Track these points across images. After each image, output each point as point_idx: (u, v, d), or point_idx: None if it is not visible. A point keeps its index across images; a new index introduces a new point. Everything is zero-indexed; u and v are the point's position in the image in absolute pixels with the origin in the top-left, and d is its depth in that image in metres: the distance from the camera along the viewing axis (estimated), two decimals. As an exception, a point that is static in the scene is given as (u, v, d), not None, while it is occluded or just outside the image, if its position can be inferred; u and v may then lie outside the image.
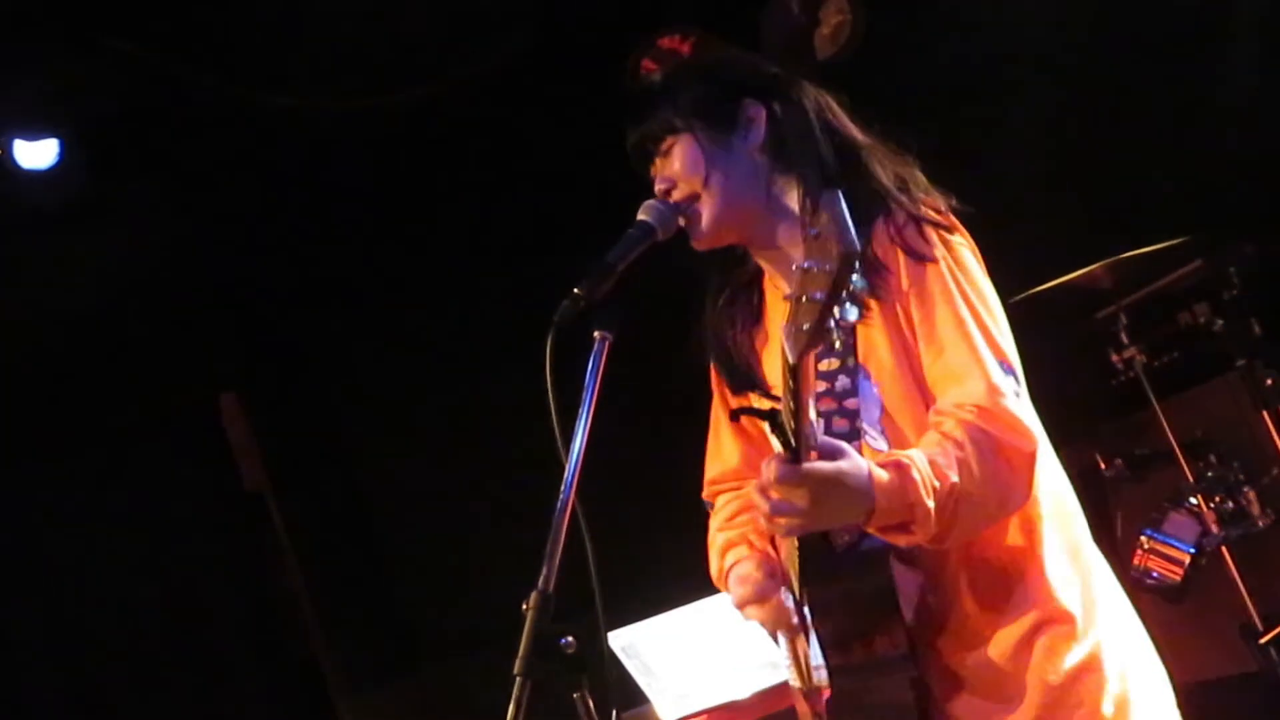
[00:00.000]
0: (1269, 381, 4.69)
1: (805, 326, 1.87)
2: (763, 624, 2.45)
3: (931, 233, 2.30)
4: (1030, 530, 2.31)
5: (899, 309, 2.27)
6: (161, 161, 5.37)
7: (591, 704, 2.09)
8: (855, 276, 1.87)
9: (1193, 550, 4.75)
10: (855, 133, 2.41)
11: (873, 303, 2.28)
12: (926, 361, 2.26)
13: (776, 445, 2.06)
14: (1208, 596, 4.82)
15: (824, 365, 2.31)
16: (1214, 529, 4.72)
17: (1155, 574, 4.82)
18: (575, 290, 2.25)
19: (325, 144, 5.54)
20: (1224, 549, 4.76)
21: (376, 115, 5.46)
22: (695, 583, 4.19)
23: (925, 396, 2.28)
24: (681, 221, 2.39)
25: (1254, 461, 4.77)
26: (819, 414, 2.23)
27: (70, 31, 4.84)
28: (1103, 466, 5.12)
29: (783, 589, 2.40)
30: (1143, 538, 4.85)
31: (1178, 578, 4.79)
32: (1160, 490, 4.91)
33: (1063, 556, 2.33)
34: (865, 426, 2.29)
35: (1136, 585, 4.86)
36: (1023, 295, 4.66)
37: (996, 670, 2.28)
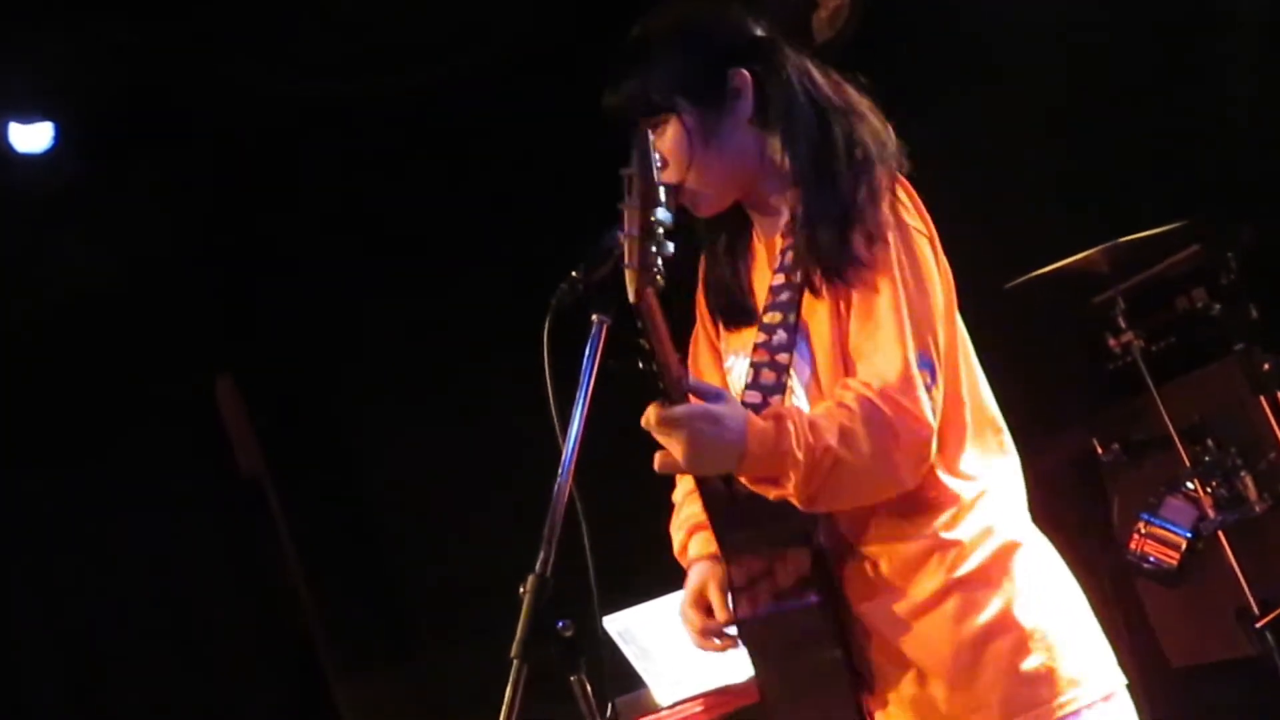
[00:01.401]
0: (1266, 366, 4.70)
1: (633, 263, 2.01)
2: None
3: (889, 213, 2.30)
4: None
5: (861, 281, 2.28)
6: (158, 145, 5.35)
7: (588, 688, 2.09)
8: (661, 210, 2.02)
9: (1189, 535, 4.76)
10: (834, 97, 2.40)
11: (839, 269, 2.29)
12: (854, 330, 2.27)
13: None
14: (1204, 581, 4.83)
15: (768, 317, 2.36)
16: (1211, 514, 4.73)
17: (1152, 559, 4.83)
18: (573, 273, 2.25)
19: (324, 128, 5.53)
20: (1221, 534, 4.76)
21: (377, 100, 5.45)
22: (692, 567, 4.19)
23: (850, 369, 2.29)
24: (679, 200, 2.39)
25: (1251, 446, 4.78)
26: (751, 364, 2.32)
27: (66, 15, 4.83)
28: (1099, 451, 5.12)
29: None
30: (1139, 522, 4.85)
31: (1174, 562, 4.79)
32: (1157, 475, 4.91)
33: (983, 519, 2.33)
34: (794, 384, 2.32)
35: (1133, 570, 4.87)
36: (1020, 280, 4.65)
37: (910, 620, 2.30)
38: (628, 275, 2.02)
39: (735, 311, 2.51)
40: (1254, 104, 4.95)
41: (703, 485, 2.35)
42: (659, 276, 2.10)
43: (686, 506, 2.62)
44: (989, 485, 2.35)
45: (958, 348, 2.37)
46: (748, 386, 2.33)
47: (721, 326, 2.56)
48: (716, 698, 4.26)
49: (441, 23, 5.34)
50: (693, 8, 2.48)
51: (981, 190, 4.98)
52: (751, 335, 2.44)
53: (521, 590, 2.06)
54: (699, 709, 4.23)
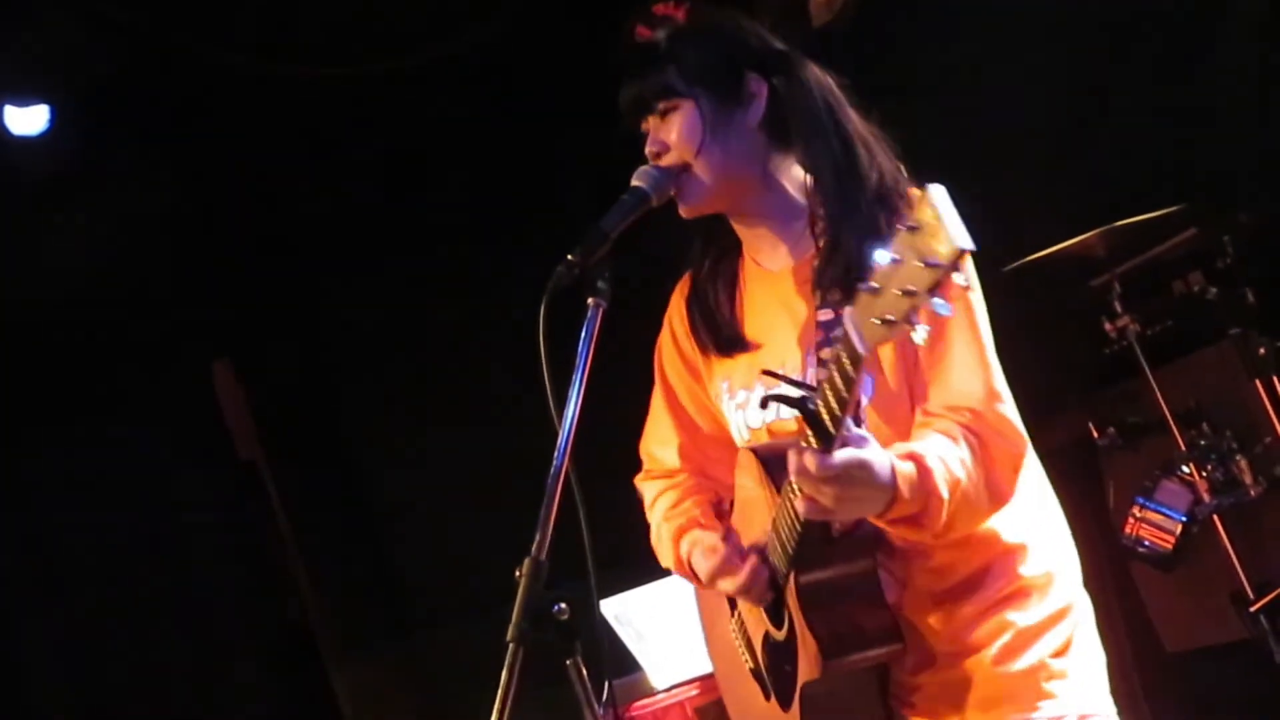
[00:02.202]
0: (1262, 350, 4.70)
1: (888, 318, 1.80)
2: (734, 593, 2.44)
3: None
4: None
5: None
6: (154, 128, 5.34)
7: (584, 671, 2.09)
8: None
9: (1185, 519, 4.76)
10: (858, 123, 2.40)
11: None
12: (923, 353, 2.27)
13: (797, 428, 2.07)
14: (1199, 565, 4.84)
15: (825, 354, 2.31)
16: (1206, 498, 4.73)
17: (1147, 543, 4.83)
18: (569, 256, 2.25)
19: (320, 111, 5.52)
20: (1216, 518, 4.77)
21: (374, 82, 5.44)
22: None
23: (911, 397, 2.30)
24: (673, 190, 2.39)
25: (1246, 430, 4.78)
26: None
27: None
28: (1095, 435, 5.12)
29: (750, 563, 2.39)
30: (1134, 506, 4.85)
31: (1169, 546, 4.80)
32: (1153, 459, 4.91)
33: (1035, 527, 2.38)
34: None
35: (1128, 554, 4.87)
36: (1017, 263, 4.65)
37: (959, 641, 2.32)
38: (871, 330, 1.83)
39: (724, 340, 2.51)
40: (1251, 88, 4.94)
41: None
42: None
43: (670, 523, 2.61)
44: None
45: None
46: None
47: (708, 352, 2.55)
48: (711, 681, 4.26)
49: (447, 6, 5.33)
50: (721, 12, 2.48)
51: (979, 173, 4.98)
52: (746, 363, 2.44)
53: (517, 573, 2.06)
54: (694, 692, 4.24)
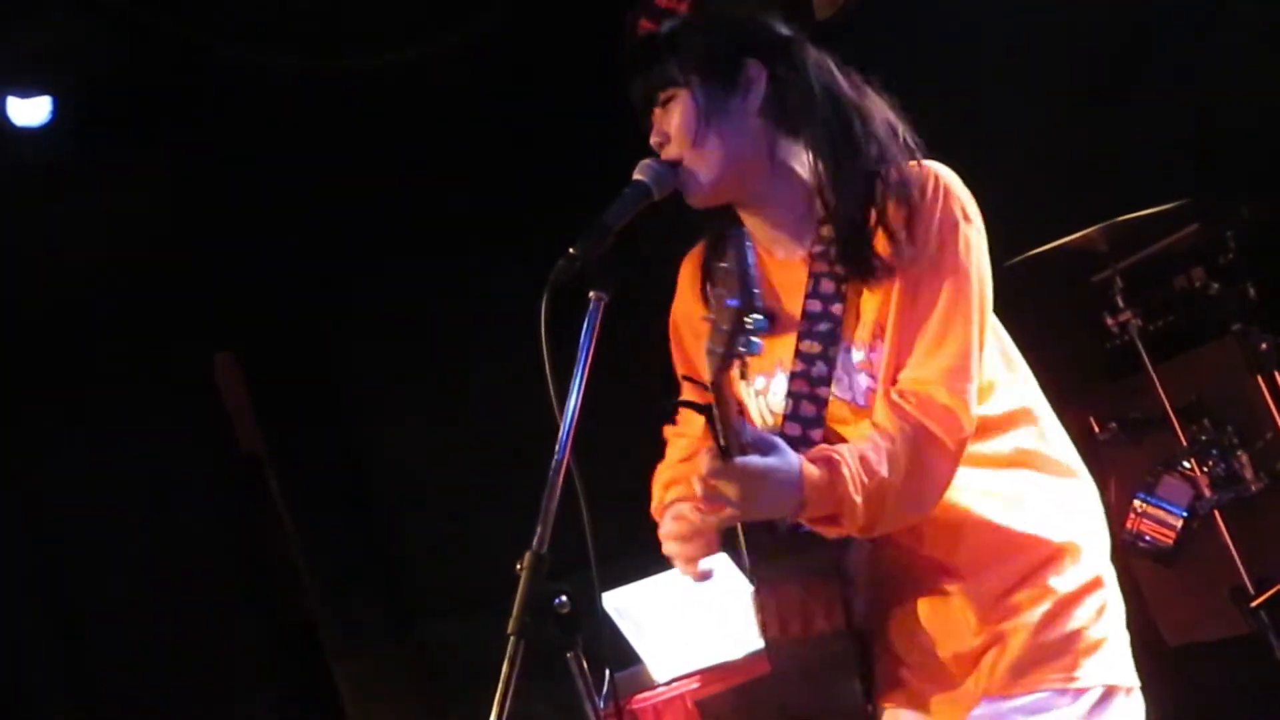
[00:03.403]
0: (1263, 346, 4.70)
1: (718, 350, 2.06)
2: (683, 558, 2.44)
3: (954, 208, 2.30)
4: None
5: (910, 274, 2.27)
6: (156, 120, 5.34)
7: (585, 664, 2.09)
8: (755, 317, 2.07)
9: (1185, 514, 4.77)
10: (851, 96, 2.39)
11: (884, 268, 2.29)
12: (911, 326, 2.27)
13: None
14: (1200, 560, 4.84)
15: (804, 346, 2.34)
16: (1207, 493, 4.74)
17: (1148, 537, 4.84)
18: (571, 250, 2.24)
19: (321, 104, 5.51)
20: (1217, 513, 4.77)
21: (374, 77, 5.44)
22: (689, 544, 4.20)
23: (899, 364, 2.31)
24: (677, 181, 2.39)
25: (1247, 426, 4.79)
26: (789, 394, 2.32)
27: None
28: (1097, 430, 5.13)
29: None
30: (1136, 501, 4.86)
31: (1170, 541, 4.81)
32: (1154, 454, 4.92)
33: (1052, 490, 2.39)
34: (850, 401, 2.32)
35: (1129, 548, 4.88)
36: (1019, 258, 4.65)
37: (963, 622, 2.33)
38: (711, 358, 2.08)
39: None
40: (1254, 84, 4.94)
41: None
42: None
43: (669, 470, 2.62)
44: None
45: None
46: (787, 418, 2.33)
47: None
48: (712, 674, 4.27)
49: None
50: (727, 3, 2.48)
51: (981, 168, 4.97)
52: (766, 350, 2.44)
53: (519, 567, 2.06)
54: (695, 685, 4.24)
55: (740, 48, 2.39)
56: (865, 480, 2.15)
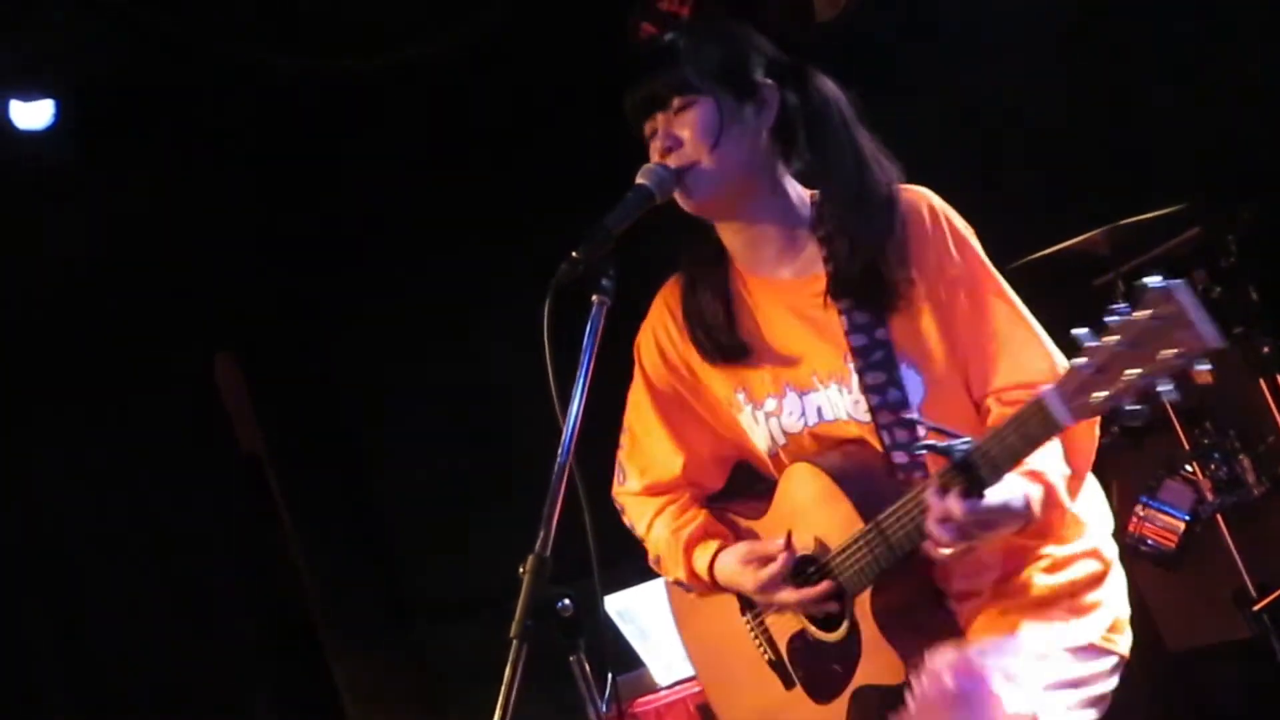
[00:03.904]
0: (1266, 349, 4.69)
1: (1104, 395, 2.00)
2: (778, 600, 2.50)
3: (959, 225, 2.42)
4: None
5: (940, 296, 2.32)
6: (158, 121, 5.34)
7: (587, 667, 2.09)
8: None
9: (1188, 518, 4.76)
10: (866, 136, 2.45)
11: (920, 290, 2.36)
12: (977, 337, 2.36)
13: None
14: (1202, 564, 4.83)
15: (870, 379, 2.39)
16: (1209, 496, 4.73)
17: (1150, 541, 4.83)
18: (573, 254, 2.25)
19: (323, 103, 5.51)
20: (1219, 516, 4.76)
21: (375, 76, 5.43)
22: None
23: (964, 378, 2.40)
24: (678, 186, 2.39)
25: (1250, 429, 4.77)
26: (879, 426, 2.40)
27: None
28: (1098, 433, 5.11)
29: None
30: (1138, 505, 4.85)
31: (1172, 545, 4.79)
32: (1156, 458, 4.91)
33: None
34: (919, 424, 2.39)
35: (1131, 552, 4.87)
36: (1020, 261, 4.64)
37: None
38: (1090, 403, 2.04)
39: (723, 348, 2.54)
40: (1256, 86, 4.93)
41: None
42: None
43: (684, 531, 2.64)
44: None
45: None
46: (888, 448, 2.40)
47: (714, 360, 2.57)
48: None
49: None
50: (737, 22, 2.52)
51: (982, 171, 4.97)
52: (770, 373, 2.47)
53: (521, 570, 2.06)
54: (697, 689, 4.24)
55: (756, 66, 2.41)
56: (1066, 484, 2.30)
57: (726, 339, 2.51)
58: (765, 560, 2.48)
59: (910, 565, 2.35)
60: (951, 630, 2.40)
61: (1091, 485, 2.55)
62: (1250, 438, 4.76)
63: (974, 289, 2.37)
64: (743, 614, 2.67)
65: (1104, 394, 1.97)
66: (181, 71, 5.23)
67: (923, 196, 2.40)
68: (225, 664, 5.70)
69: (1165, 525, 4.79)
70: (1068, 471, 2.30)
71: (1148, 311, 1.91)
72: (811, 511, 2.45)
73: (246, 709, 5.74)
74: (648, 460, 2.67)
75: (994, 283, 2.40)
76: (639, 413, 2.67)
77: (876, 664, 2.39)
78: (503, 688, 2.02)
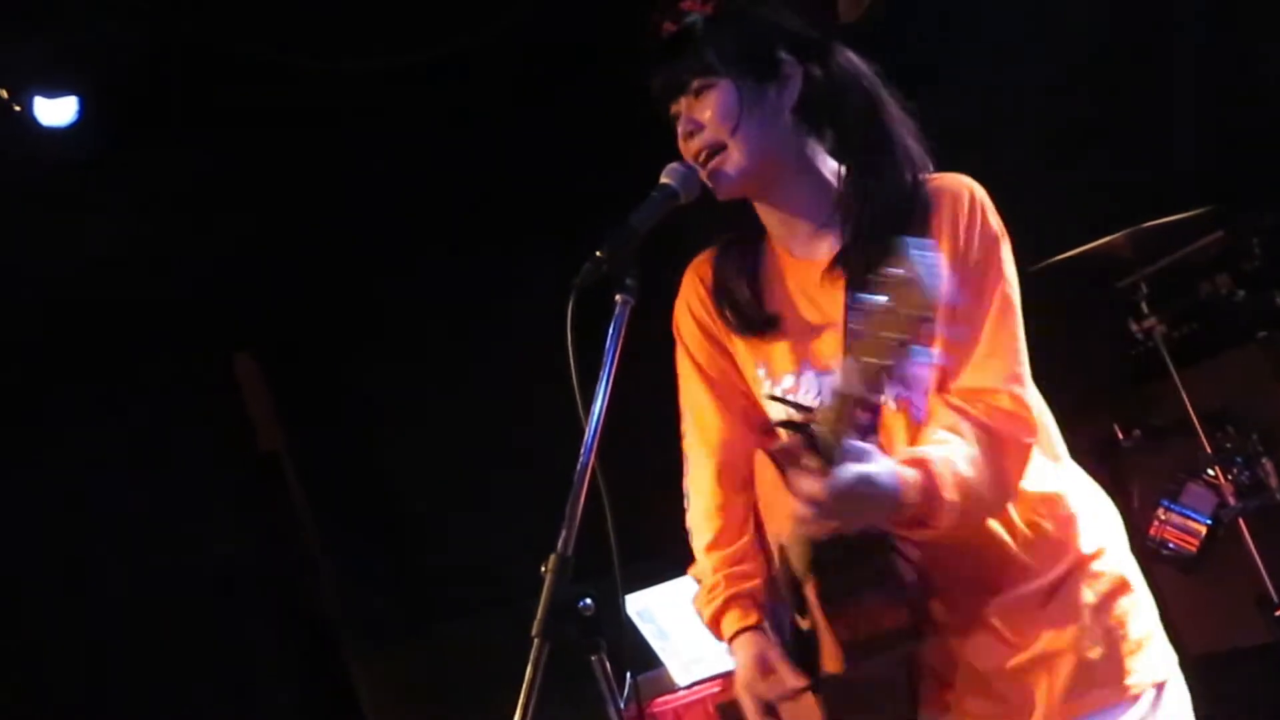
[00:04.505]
0: (1289, 353, 4.69)
1: (877, 361, 1.92)
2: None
3: (993, 221, 2.34)
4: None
5: (952, 284, 2.29)
6: (181, 120, 5.35)
7: (608, 667, 2.09)
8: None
9: (1209, 522, 4.75)
10: (894, 110, 2.41)
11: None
12: (955, 330, 2.28)
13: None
14: (1223, 568, 4.82)
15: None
16: (1231, 500, 4.72)
17: (1171, 545, 4.82)
18: (597, 253, 2.24)
19: (346, 103, 5.52)
20: (1241, 520, 4.75)
21: (398, 74, 5.44)
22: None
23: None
24: (705, 178, 2.38)
25: (1272, 433, 4.76)
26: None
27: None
28: (1120, 436, 5.11)
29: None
30: (1159, 509, 4.84)
31: (1194, 549, 4.79)
32: (1178, 461, 4.90)
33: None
34: (914, 407, 2.33)
35: (1152, 556, 4.86)
36: (1043, 263, 4.64)
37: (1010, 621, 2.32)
38: (864, 371, 1.95)
39: (753, 321, 2.50)
40: (1281, 89, 4.92)
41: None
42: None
43: (711, 576, 2.57)
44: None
45: None
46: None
47: (740, 334, 2.53)
48: (732, 680, 4.26)
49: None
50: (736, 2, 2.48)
51: (1006, 173, 4.96)
52: (786, 348, 2.44)
53: (543, 569, 2.06)
54: (716, 689, 4.24)
55: (777, 44, 2.40)
56: (954, 481, 2.17)
57: (751, 313, 2.49)
58: (779, 689, 2.42)
59: (850, 543, 2.28)
60: (910, 634, 2.29)
61: (1093, 498, 2.46)
62: (1273, 441, 4.75)
63: (982, 285, 2.30)
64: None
65: (873, 359, 1.91)
66: (204, 69, 5.24)
67: (964, 184, 2.35)
68: (244, 662, 5.71)
69: (1187, 529, 4.78)
70: (967, 475, 2.18)
71: (899, 270, 1.87)
72: (774, 503, 2.42)
73: (265, 707, 5.75)
74: (709, 435, 2.61)
75: (1003, 284, 2.31)
76: (687, 388, 2.62)
77: (828, 653, 2.32)
78: (524, 687, 2.02)
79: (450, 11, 5.34)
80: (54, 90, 5.06)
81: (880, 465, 2.13)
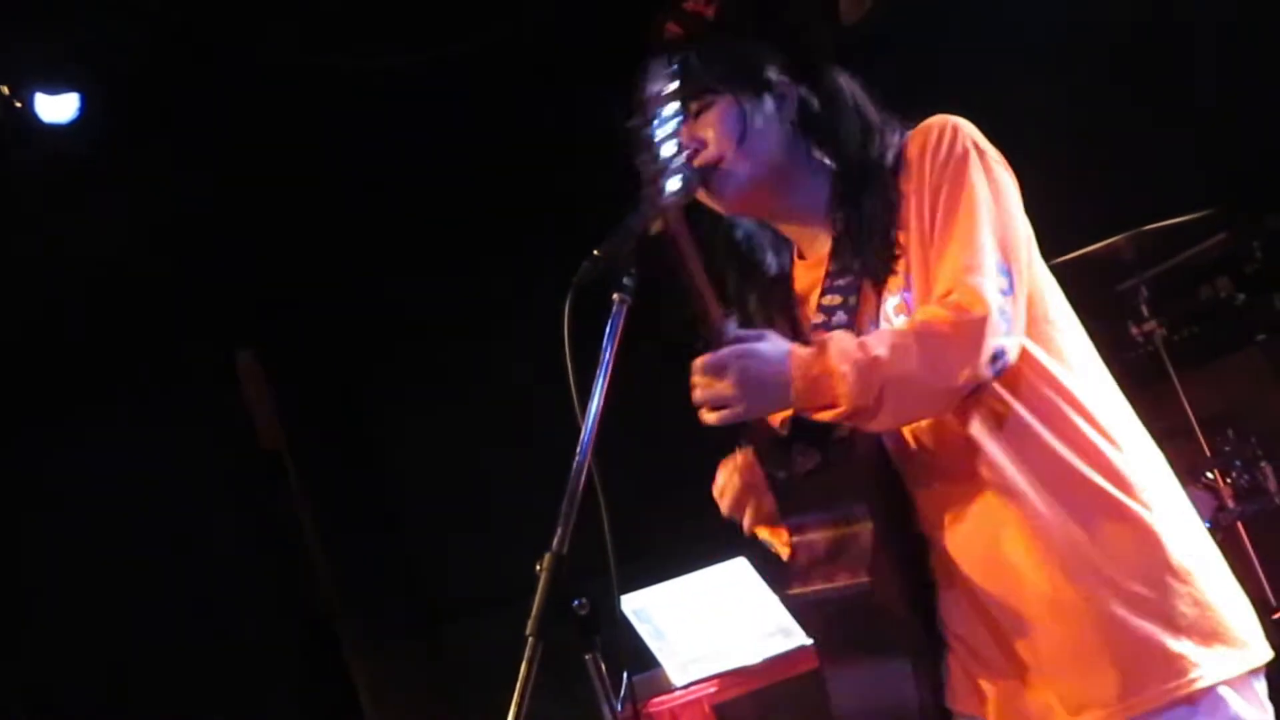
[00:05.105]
0: (1289, 357, 4.69)
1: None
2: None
3: (961, 143, 2.32)
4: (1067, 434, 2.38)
5: (924, 229, 2.28)
6: (182, 116, 5.36)
7: (603, 666, 2.09)
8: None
9: (1208, 525, 4.74)
10: (876, 117, 2.42)
11: (912, 217, 2.29)
12: (927, 254, 2.27)
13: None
14: (1222, 572, 4.81)
15: (826, 300, 2.35)
16: (1230, 504, 4.71)
17: (1170, 548, 4.80)
18: (595, 252, 2.25)
19: (348, 102, 5.53)
20: (1240, 525, 4.75)
21: (404, 75, 5.45)
22: (709, 548, 4.19)
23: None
24: (702, 192, 2.39)
25: (1272, 437, 4.76)
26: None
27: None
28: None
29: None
30: (1158, 512, 4.82)
31: (1193, 553, 4.77)
32: (1177, 464, 4.86)
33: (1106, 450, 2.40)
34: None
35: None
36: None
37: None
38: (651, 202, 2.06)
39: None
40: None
41: (769, 475, 2.34)
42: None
43: None
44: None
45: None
46: None
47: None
48: (729, 679, 4.26)
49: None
50: (749, 13, 2.49)
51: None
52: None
53: (538, 568, 2.06)
54: (713, 689, 4.24)
55: (771, 60, 2.41)
56: (857, 356, 2.12)
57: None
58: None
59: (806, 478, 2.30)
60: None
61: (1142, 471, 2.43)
62: (1272, 446, 4.74)
63: (951, 205, 2.26)
64: None
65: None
66: (206, 66, 5.24)
67: (932, 122, 2.34)
68: (245, 660, 5.72)
69: (1186, 533, 4.76)
70: (879, 353, 2.11)
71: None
72: None
73: (266, 706, 5.76)
74: None
75: (967, 191, 2.26)
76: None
77: None
78: (518, 685, 2.02)
79: (453, 12, 5.35)
80: (55, 87, 5.07)
81: (770, 343, 2.16)
